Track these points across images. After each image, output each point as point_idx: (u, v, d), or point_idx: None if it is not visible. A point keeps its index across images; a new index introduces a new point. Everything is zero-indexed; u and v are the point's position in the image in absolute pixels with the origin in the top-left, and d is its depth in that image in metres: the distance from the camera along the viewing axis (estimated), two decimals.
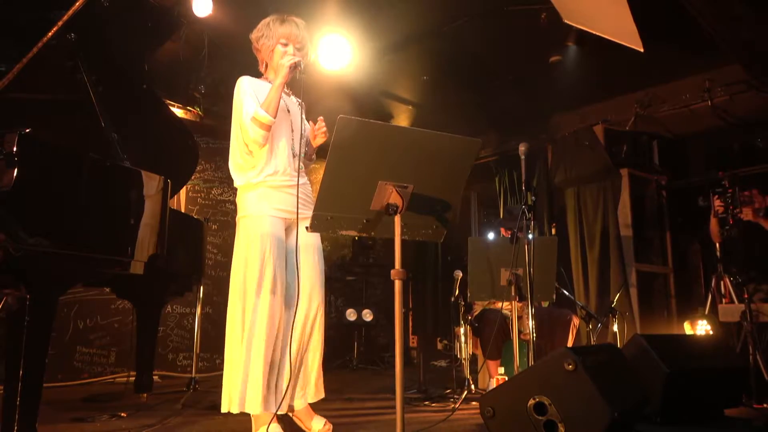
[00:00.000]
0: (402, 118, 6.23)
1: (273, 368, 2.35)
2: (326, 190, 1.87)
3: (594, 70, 4.80)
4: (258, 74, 2.61)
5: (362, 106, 5.70)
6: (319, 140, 2.54)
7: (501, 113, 5.74)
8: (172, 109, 4.15)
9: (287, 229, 2.51)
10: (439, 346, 6.74)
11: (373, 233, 2.03)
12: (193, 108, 5.09)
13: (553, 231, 5.66)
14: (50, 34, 2.51)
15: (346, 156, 1.85)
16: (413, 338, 6.87)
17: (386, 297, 6.74)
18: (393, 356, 6.55)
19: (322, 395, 2.59)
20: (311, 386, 2.52)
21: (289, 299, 2.43)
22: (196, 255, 3.54)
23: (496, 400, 2.05)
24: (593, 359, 2.00)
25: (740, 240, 4.56)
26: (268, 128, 2.34)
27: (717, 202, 4.40)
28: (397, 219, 1.92)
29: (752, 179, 5.22)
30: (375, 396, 4.00)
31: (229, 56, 4.72)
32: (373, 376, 5.42)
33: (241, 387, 2.27)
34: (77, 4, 2.41)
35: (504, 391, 2.08)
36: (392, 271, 1.89)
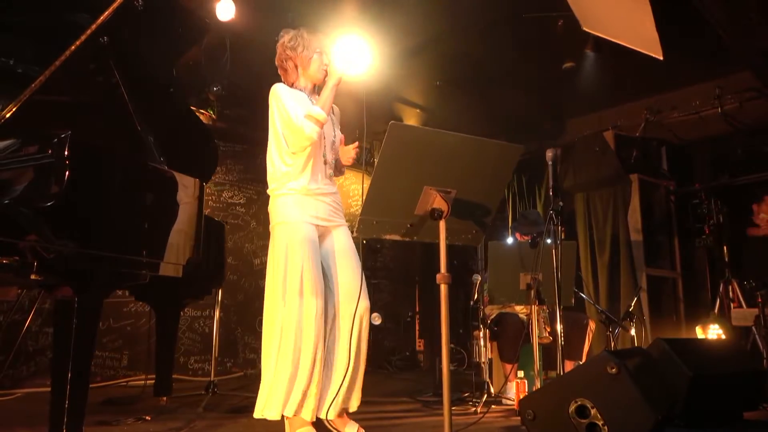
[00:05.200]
0: (411, 123, 6.26)
1: (320, 372, 2.36)
2: (374, 195, 1.90)
3: (605, 77, 4.85)
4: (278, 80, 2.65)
5: (372, 108, 5.71)
6: (349, 162, 2.62)
7: (511, 118, 5.79)
8: None
9: (320, 236, 2.54)
10: None
11: (415, 237, 2.06)
12: (206, 111, 5.10)
13: (562, 235, 5.70)
14: (83, 37, 2.49)
15: (395, 161, 1.88)
16: (420, 342, 6.88)
17: (393, 301, 6.75)
18: (400, 360, 6.58)
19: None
20: (356, 392, 2.52)
21: (327, 304, 2.46)
22: (218, 257, 3.54)
23: (536, 403, 2.08)
24: (633, 363, 2.03)
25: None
26: (322, 126, 2.40)
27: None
28: (442, 224, 1.94)
29: (757, 186, 5.30)
30: (391, 399, 4.01)
31: (245, 60, 4.74)
32: (383, 380, 5.42)
33: (284, 392, 2.28)
34: (113, 6, 2.41)
35: (544, 394, 2.10)
36: (438, 276, 1.92)
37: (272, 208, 2.52)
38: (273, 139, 2.49)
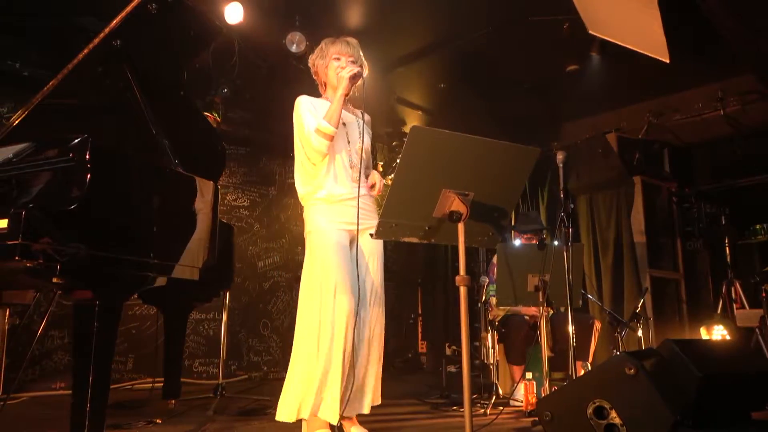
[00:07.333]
0: (413, 125, 6.27)
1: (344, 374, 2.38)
2: (393, 198, 1.91)
3: (608, 79, 4.88)
4: (307, 91, 2.67)
5: (374, 111, 5.72)
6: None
7: (514, 120, 5.80)
8: None
9: (351, 241, 2.55)
10: (448, 351, 6.77)
11: (432, 240, 2.07)
12: (211, 113, 5.09)
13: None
14: (96, 40, 2.49)
15: (415, 165, 1.89)
16: (422, 344, 6.88)
17: (395, 303, 6.76)
18: (402, 362, 6.59)
19: (379, 401, 2.65)
20: (369, 395, 2.56)
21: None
22: (226, 260, 3.53)
23: (554, 404, 2.09)
24: (649, 364, 2.04)
25: None
26: (331, 138, 2.42)
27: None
28: (461, 226, 1.95)
29: (755, 188, 5.34)
30: (397, 401, 4.01)
31: (249, 63, 4.74)
32: (386, 382, 5.39)
33: (317, 394, 2.30)
34: (127, 9, 2.41)
35: (562, 395, 2.12)
36: (457, 278, 1.92)
37: (305, 216, 2.57)
38: (297, 149, 2.55)
